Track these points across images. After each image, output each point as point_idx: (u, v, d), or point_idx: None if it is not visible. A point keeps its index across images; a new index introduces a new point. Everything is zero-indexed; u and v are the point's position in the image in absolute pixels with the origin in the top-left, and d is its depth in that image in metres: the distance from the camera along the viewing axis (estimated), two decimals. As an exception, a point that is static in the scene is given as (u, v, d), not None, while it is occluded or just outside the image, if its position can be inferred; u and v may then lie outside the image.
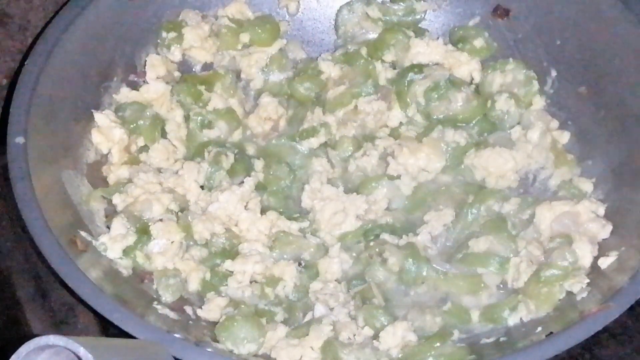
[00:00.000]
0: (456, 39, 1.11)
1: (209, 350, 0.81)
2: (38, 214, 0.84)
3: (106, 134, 0.99)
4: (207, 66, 1.10)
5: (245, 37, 1.09)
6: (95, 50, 1.01)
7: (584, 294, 0.87)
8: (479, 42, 1.10)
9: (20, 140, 0.88)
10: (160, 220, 0.93)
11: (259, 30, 1.10)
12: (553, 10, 1.06)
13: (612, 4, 1.01)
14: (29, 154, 0.88)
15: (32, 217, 0.84)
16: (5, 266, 1.00)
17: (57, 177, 0.91)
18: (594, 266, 0.90)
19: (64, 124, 0.96)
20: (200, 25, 1.08)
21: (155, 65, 1.05)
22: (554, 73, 1.07)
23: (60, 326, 0.95)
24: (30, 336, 0.59)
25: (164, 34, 1.07)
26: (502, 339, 0.87)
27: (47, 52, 0.95)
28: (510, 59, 1.07)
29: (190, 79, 1.06)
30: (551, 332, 0.81)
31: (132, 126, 1.01)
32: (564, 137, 1.04)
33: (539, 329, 0.85)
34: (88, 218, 0.92)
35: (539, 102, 1.07)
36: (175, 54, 1.07)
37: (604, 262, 0.89)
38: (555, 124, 1.06)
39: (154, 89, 1.04)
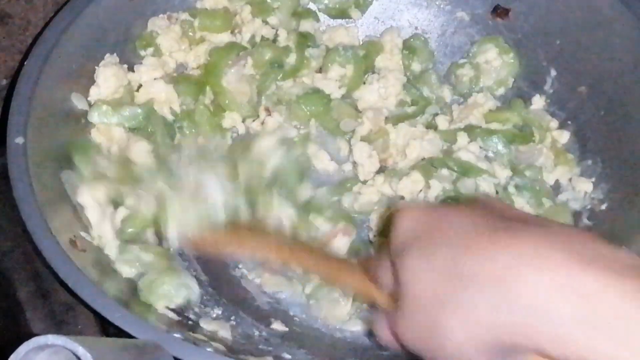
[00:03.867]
0: (408, 46, 1.11)
1: (209, 350, 0.81)
2: (38, 214, 0.83)
3: (105, 134, 0.98)
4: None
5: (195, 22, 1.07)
6: (96, 50, 1.01)
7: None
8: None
9: (20, 140, 0.88)
10: None
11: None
12: (553, 10, 1.06)
13: (612, 4, 1.00)
14: (29, 154, 0.87)
15: (32, 217, 0.83)
16: (5, 266, 1.00)
17: (57, 177, 0.91)
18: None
19: (63, 124, 0.95)
20: (170, 29, 1.05)
21: (152, 66, 1.04)
22: (553, 73, 1.07)
23: (60, 326, 0.95)
24: (30, 336, 0.59)
25: (142, 52, 1.05)
26: (501, 338, 0.87)
27: (47, 52, 0.95)
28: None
29: (184, 80, 1.04)
30: (551, 332, 0.81)
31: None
32: (564, 137, 1.04)
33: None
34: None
35: (539, 102, 1.07)
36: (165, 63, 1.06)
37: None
38: (555, 123, 1.06)
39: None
